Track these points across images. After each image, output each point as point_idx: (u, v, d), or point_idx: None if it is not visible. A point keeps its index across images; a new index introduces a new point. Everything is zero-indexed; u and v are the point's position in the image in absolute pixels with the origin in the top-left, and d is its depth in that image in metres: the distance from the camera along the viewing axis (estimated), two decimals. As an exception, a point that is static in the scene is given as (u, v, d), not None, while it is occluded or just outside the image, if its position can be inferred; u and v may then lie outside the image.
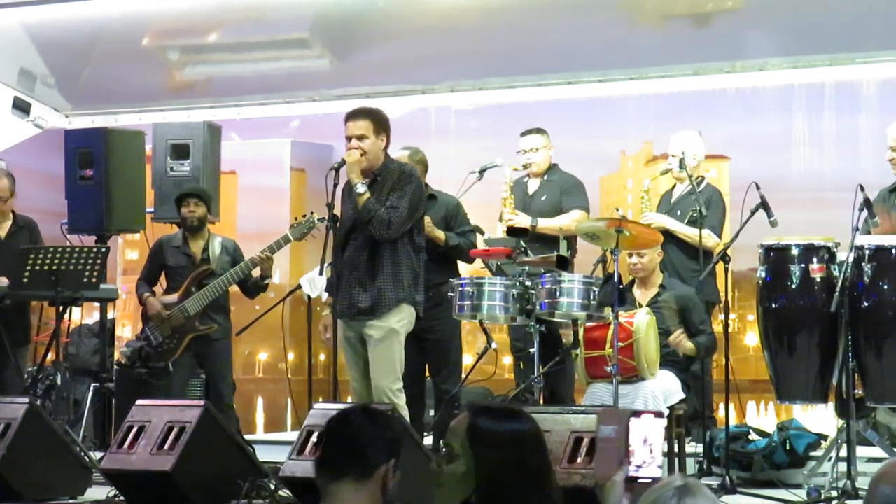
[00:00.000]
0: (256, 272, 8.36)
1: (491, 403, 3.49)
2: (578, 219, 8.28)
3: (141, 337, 8.51)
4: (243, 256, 8.50)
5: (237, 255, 8.54)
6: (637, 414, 3.69)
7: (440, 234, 7.94)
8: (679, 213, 8.38)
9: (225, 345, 8.48)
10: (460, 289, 7.40)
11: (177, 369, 8.39)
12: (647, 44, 9.90)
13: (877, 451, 7.29)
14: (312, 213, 8.13)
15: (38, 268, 8.22)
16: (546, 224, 8.33)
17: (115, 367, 9.13)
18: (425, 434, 7.97)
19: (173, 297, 8.41)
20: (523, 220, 8.29)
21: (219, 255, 8.47)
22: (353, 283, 7.14)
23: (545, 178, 8.57)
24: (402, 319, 7.12)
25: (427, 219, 7.67)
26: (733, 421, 7.73)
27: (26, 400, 7.32)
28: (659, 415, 3.81)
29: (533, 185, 8.60)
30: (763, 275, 7.20)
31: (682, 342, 7.53)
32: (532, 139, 8.55)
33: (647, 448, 3.66)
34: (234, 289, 8.52)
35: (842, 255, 7.02)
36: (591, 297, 7.24)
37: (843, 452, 6.84)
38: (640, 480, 3.60)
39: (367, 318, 7.10)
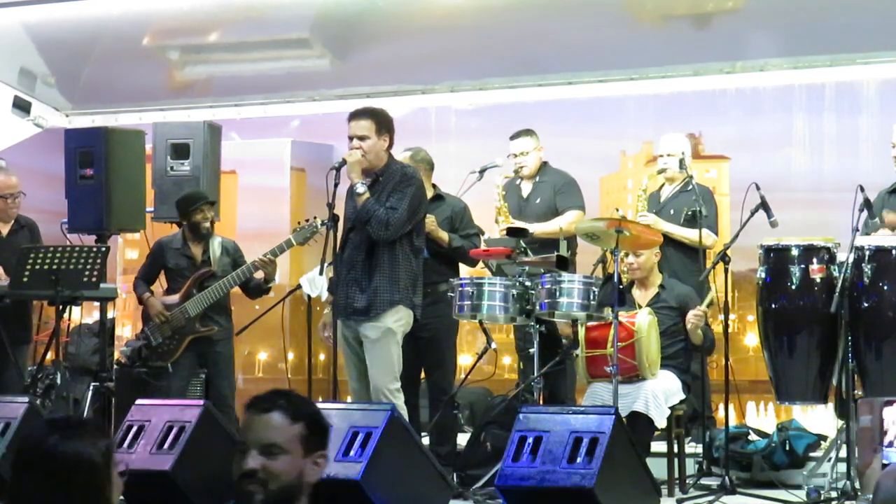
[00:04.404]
0: (259, 274, 8.37)
1: (63, 416, 3.15)
2: (574, 220, 8.30)
3: (140, 337, 8.52)
4: (243, 257, 8.51)
5: (237, 256, 8.54)
6: (890, 402, 3.70)
7: (443, 235, 7.93)
8: (672, 212, 8.38)
9: (227, 345, 8.48)
10: (460, 289, 7.40)
11: (177, 370, 8.38)
12: (647, 44, 9.90)
13: (876, 452, 7.29)
14: (316, 217, 8.13)
15: (38, 267, 8.21)
16: (542, 229, 8.30)
17: (115, 366, 9.13)
18: (422, 435, 7.97)
19: (174, 298, 8.41)
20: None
21: (219, 256, 8.47)
22: (350, 282, 7.14)
23: (537, 179, 8.56)
24: (399, 320, 7.11)
25: (431, 218, 7.67)
26: (733, 421, 7.74)
27: (26, 399, 7.31)
28: None
29: (526, 187, 8.59)
30: (763, 275, 7.21)
31: (699, 322, 7.49)
32: (523, 142, 8.54)
33: None
34: (235, 289, 8.52)
35: (842, 256, 7.03)
36: (591, 297, 7.24)
37: (843, 453, 6.85)
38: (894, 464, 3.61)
39: (362, 319, 7.10)
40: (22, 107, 11.27)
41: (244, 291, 8.54)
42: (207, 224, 8.44)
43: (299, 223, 8.29)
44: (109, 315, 9.50)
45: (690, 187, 8.28)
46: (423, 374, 8.06)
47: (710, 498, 6.94)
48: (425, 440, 7.77)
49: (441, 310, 7.70)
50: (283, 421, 3.27)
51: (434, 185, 8.05)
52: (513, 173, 8.53)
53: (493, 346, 8.07)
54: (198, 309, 8.31)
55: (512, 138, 8.58)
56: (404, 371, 7.23)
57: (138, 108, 11.35)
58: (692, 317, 7.46)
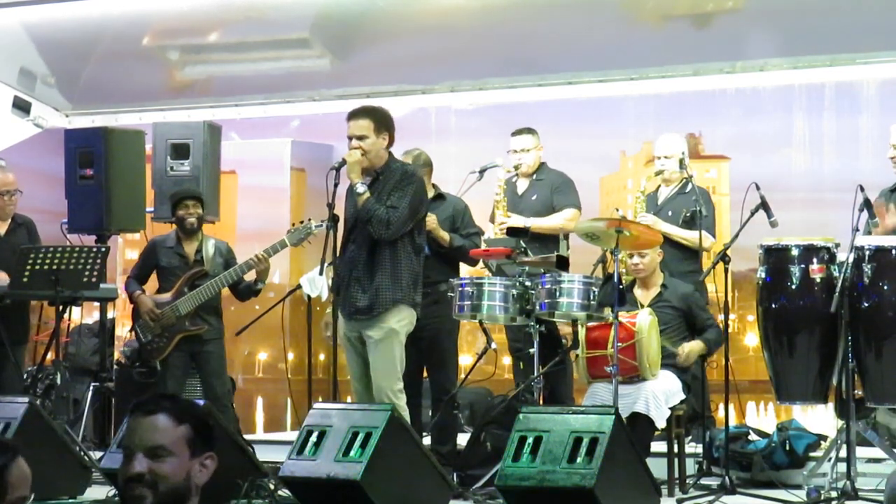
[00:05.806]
0: (250, 275, 8.36)
1: None
2: (571, 217, 8.32)
3: (131, 335, 8.54)
4: (236, 259, 8.51)
5: (230, 257, 8.54)
6: None
7: (444, 235, 7.92)
8: (670, 213, 8.38)
9: (217, 345, 8.47)
10: (460, 289, 7.39)
11: (168, 369, 8.37)
12: (647, 44, 9.90)
13: (877, 452, 7.30)
14: (310, 219, 8.16)
15: (38, 267, 8.21)
16: (540, 224, 8.32)
17: (115, 366, 9.13)
18: (423, 434, 7.97)
19: (166, 297, 8.42)
20: (517, 222, 8.28)
21: (212, 256, 8.46)
22: (352, 282, 7.14)
23: (534, 177, 8.57)
24: (401, 320, 7.11)
25: (432, 217, 7.67)
26: (733, 421, 7.73)
27: (26, 399, 7.31)
28: None
29: (522, 184, 8.60)
30: (763, 275, 7.20)
31: (690, 354, 7.51)
32: (523, 139, 8.55)
33: None
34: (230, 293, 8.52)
35: (842, 256, 7.02)
36: (591, 297, 7.24)
37: (843, 453, 6.84)
38: None
39: (364, 318, 7.10)
40: (22, 107, 11.27)
41: (234, 293, 8.51)
42: (192, 220, 8.42)
43: (293, 224, 8.29)
44: (109, 315, 9.51)
45: (689, 188, 8.28)
46: (424, 374, 8.06)
47: (710, 498, 6.94)
48: (427, 440, 7.77)
49: (442, 310, 7.70)
50: (168, 423, 3.24)
51: (434, 185, 8.06)
52: (512, 168, 8.54)
53: (493, 346, 8.07)
54: (189, 307, 8.31)
55: (513, 134, 8.60)
56: (405, 371, 7.23)
57: (138, 108, 11.35)
58: (681, 361, 7.49)
